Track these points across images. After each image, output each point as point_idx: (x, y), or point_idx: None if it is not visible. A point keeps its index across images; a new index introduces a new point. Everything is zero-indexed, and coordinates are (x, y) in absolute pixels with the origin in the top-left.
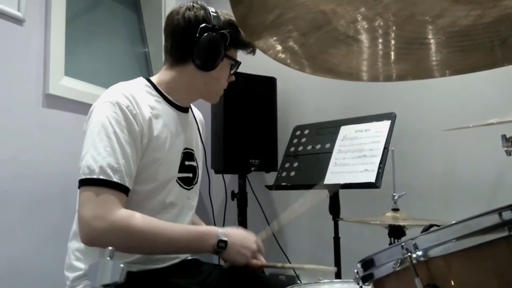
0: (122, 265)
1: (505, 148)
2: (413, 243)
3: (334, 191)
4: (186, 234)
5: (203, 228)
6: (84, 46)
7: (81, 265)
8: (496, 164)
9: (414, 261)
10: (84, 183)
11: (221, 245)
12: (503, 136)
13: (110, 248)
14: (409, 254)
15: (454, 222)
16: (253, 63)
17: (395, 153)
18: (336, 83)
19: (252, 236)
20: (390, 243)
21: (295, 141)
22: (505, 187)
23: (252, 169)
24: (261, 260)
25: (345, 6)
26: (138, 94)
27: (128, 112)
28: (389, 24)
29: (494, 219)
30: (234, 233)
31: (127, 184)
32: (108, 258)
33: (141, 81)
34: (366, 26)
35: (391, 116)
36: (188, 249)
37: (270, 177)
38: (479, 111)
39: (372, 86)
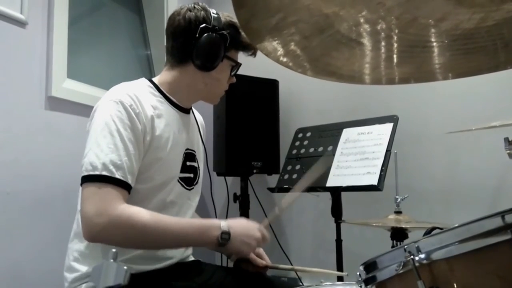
0: (125, 268)
1: (508, 151)
2: (416, 246)
3: (336, 195)
4: (189, 227)
5: (205, 221)
6: (86, 49)
7: (80, 266)
8: (498, 167)
9: (417, 264)
10: (87, 179)
11: (225, 237)
12: (506, 139)
13: (113, 250)
14: (412, 257)
15: (457, 225)
16: (255, 65)
17: (398, 156)
18: (338, 85)
19: (255, 224)
20: (393, 246)
21: (297, 143)
22: (508, 190)
23: (254, 171)
24: (266, 260)
25: (348, 9)
26: (141, 94)
27: (131, 111)
28: (391, 27)
29: (497, 222)
30: (236, 224)
31: (129, 181)
32: (112, 260)
33: (143, 81)
34: (368, 29)
35: (393, 119)
36: (191, 242)
37: (272, 180)
38: (482, 114)
39: (374, 88)
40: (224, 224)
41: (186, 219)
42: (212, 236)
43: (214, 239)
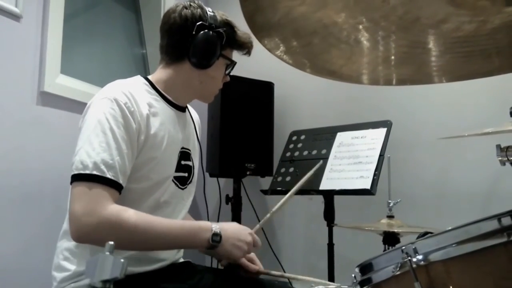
0: (122, 260)
1: (500, 158)
2: (413, 247)
3: (329, 198)
4: (180, 228)
5: (197, 223)
6: (81, 45)
7: (69, 265)
8: (490, 174)
9: (414, 266)
10: (77, 178)
11: (216, 239)
12: (498, 146)
13: (110, 243)
14: (409, 258)
15: (454, 226)
16: (251, 67)
17: (391, 161)
18: (333, 90)
19: (247, 229)
20: (384, 250)
21: (291, 146)
22: (499, 196)
23: (248, 173)
24: (258, 265)
25: (352, 7)
26: (136, 92)
27: (126, 109)
28: (394, 27)
29: (493, 224)
30: (228, 227)
31: (120, 181)
32: (108, 253)
33: (139, 79)
34: (371, 29)
35: (387, 124)
36: (182, 244)
37: (265, 182)
38: (474, 121)
39: (369, 93)
40: (215, 226)
41: (176, 221)
42: (203, 238)
43: (205, 241)
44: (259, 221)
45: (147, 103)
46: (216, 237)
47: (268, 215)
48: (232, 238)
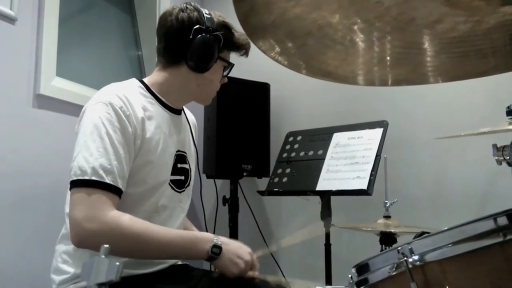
0: (118, 263)
1: (496, 157)
2: (409, 247)
3: (326, 198)
4: (180, 238)
5: (197, 233)
6: (76, 47)
7: (68, 268)
8: (486, 173)
9: (410, 266)
10: (76, 184)
11: (215, 251)
12: (494, 146)
13: (106, 246)
14: (405, 258)
15: (450, 227)
16: (247, 68)
17: (387, 161)
18: (329, 90)
19: (247, 248)
20: (381, 250)
21: (287, 147)
22: (495, 196)
23: (244, 174)
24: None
25: (347, 8)
26: (131, 95)
27: (121, 113)
28: (389, 28)
29: (489, 224)
30: (229, 242)
31: (120, 185)
32: (103, 256)
33: (134, 82)
34: (366, 30)
35: (383, 124)
36: (181, 254)
37: (262, 183)
38: (470, 120)
39: (365, 94)
40: (217, 238)
41: (177, 230)
42: (202, 249)
43: (204, 252)
44: (256, 222)
45: (142, 106)
46: (216, 249)
47: (273, 247)
48: (231, 253)
